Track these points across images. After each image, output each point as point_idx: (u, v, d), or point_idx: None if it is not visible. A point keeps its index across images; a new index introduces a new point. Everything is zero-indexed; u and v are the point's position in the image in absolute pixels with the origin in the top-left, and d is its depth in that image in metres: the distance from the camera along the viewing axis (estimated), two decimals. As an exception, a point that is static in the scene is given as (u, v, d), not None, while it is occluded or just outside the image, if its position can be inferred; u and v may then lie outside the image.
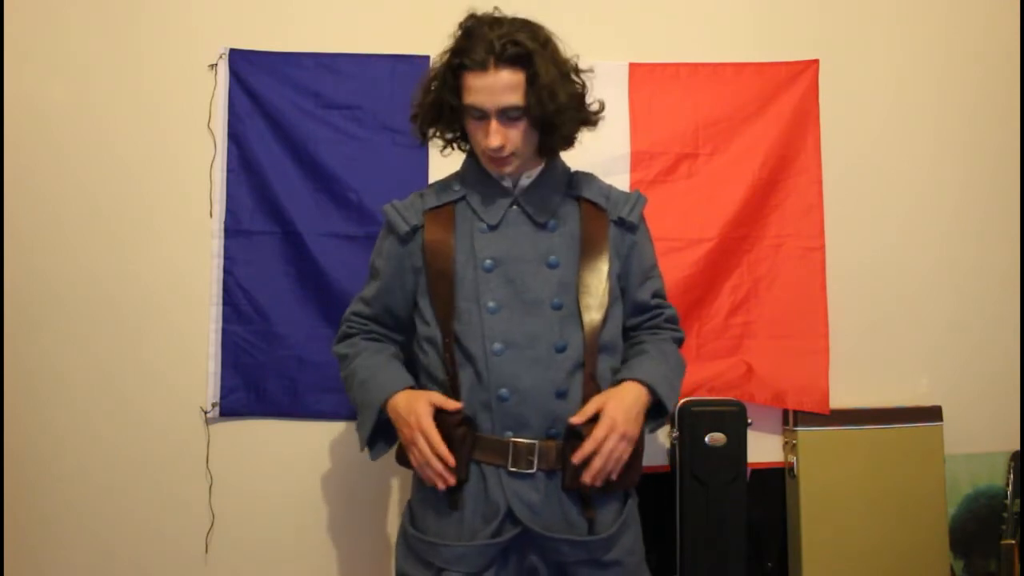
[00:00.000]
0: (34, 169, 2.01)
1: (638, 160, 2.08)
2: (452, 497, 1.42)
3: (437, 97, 1.45)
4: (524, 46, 1.35)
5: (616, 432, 1.38)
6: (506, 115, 1.39)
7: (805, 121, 2.11)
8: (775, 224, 2.10)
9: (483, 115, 1.40)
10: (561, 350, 1.43)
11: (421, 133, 1.52)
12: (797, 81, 2.11)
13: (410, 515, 1.50)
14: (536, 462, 1.40)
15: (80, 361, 2.01)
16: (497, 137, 1.40)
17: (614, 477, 1.41)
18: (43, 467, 2.00)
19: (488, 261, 1.46)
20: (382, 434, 1.50)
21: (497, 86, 1.37)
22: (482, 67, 1.36)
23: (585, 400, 1.43)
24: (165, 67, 2.03)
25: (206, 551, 2.02)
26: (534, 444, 1.40)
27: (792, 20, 2.15)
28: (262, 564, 2.03)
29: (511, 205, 1.50)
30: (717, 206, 2.07)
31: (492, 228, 1.48)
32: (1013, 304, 2.20)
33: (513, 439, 1.40)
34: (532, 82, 1.37)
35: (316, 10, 2.07)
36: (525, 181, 1.52)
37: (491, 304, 1.43)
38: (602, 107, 1.51)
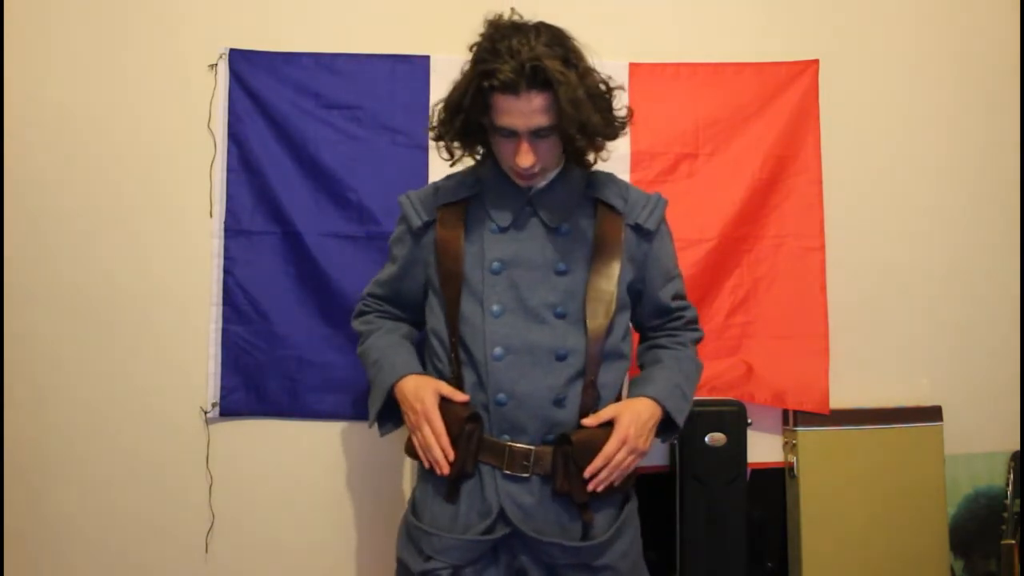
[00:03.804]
0: (34, 169, 2.01)
1: (638, 160, 2.08)
2: (451, 490, 1.43)
3: (466, 118, 1.41)
4: (550, 72, 1.31)
5: (627, 446, 1.40)
6: (537, 134, 1.38)
7: (805, 121, 2.11)
8: (775, 224, 2.10)
9: (513, 134, 1.38)
10: (562, 358, 1.43)
11: (448, 152, 1.50)
12: (797, 81, 2.11)
13: (412, 505, 1.52)
14: (531, 467, 1.41)
15: (80, 361, 2.00)
16: (529, 157, 1.38)
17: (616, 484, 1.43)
18: (43, 467, 2.00)
19: (496, 263, 1.45)
20: (390, 414, 1.53)
21: (529, 109, 1.34)
22: (513, 91, 1.32)
23: (583, 408, 1.44)
24: (165, 67, 2.03)
25: (206, 551, 2.02)
26: (530, 450, 1.41)
27: (792, 20, 2.15)
28: (262, 564, 2.03)
29: (525, 206, 1.48)
30: (717, 206, 2.07)
31: (503, 230, 1.47)
32: (1013, 304, 2.20)
33: (510, 443, 1.41)
34: (560, 105, 1.33)
35: (316, 10, 2.07)
36: (542, 183, 1.50)
37: (495, 308, 1.43)
38: (631, 113, 1.48)
